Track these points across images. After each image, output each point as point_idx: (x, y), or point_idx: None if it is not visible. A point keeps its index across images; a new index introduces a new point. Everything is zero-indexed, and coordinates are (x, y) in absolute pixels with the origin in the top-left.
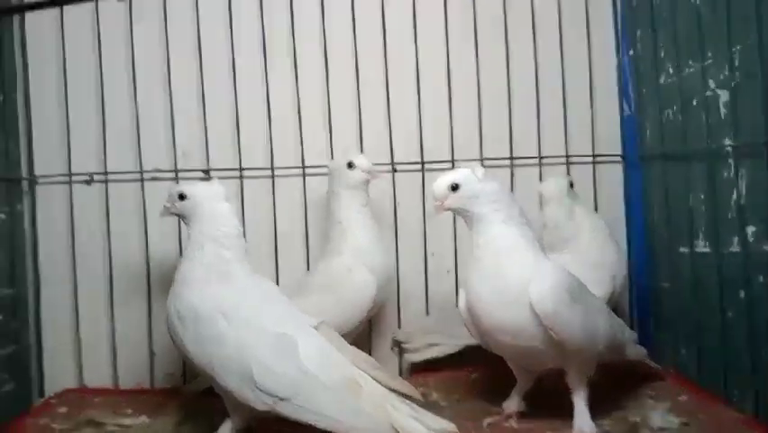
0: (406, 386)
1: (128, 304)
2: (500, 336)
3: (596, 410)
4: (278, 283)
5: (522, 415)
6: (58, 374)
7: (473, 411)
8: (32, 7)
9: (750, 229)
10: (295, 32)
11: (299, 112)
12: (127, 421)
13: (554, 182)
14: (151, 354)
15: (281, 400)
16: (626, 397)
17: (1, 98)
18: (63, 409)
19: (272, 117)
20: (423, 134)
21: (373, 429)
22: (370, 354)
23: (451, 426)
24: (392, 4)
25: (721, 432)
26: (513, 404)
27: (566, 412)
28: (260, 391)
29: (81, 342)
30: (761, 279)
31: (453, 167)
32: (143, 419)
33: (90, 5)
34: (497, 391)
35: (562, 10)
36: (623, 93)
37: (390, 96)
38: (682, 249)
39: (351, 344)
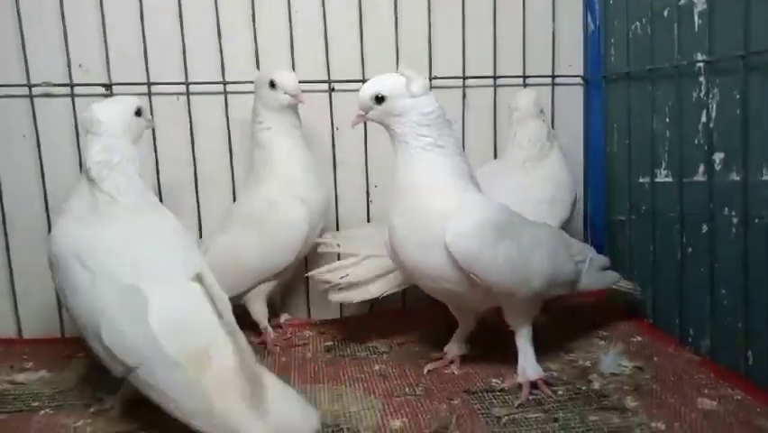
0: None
1: (28, 241)
2: (424, 279)
3: (544, 353)
4: (199, 216)
5: (464, 359)
6: None
7: (414, 356)
8: None
9: (718, 156)
10: None
11: (217, 16)
12: (20, 378)
13: (529, 95)
14: (59, 301)
15: (130, 368)
16: (576, 339)
17: None
18: None
19: (185, 22)
20: (365, 49)
21: (207, 420)
22: (307, 298)
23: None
24: None
25: (677, 376)
26: (454, 348)
27: (512, 355)
28: (112, 354)
29: None
30: (725, 211)
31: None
32: (42, 373)
33: None
34: (441, 334)
35: None
36: (587, 5)
37: (330, 3)
38: (642, 179)
39: (284, 288)
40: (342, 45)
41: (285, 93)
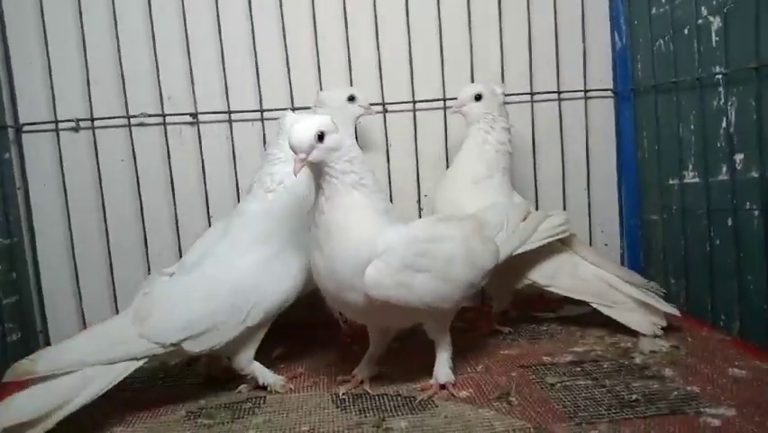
0: None
1: (124, 249)
2: (345, 310)
3: (590, 337)
4: None
5: (376, 378)
6: (61, 322)
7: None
8: None
9: (738, 157)
10: None
11: (287, 54)
12: None
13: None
14: None
15: None
16: (617, 325)
17: None
18: None
19: (259, 60)
20: (413, 73)
21: None
22: None
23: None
24: None
25: (709, 352)
26: (365, 371)
27: (426, 369)
28: None
29: (81, 289)
30: (747, 205)
31: (445, 106)
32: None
33: None
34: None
35: None
36: (615, 25)
37: (379, 34)
38: (672, 181)
39: None
40: (392, 71)
41: (359, 105)
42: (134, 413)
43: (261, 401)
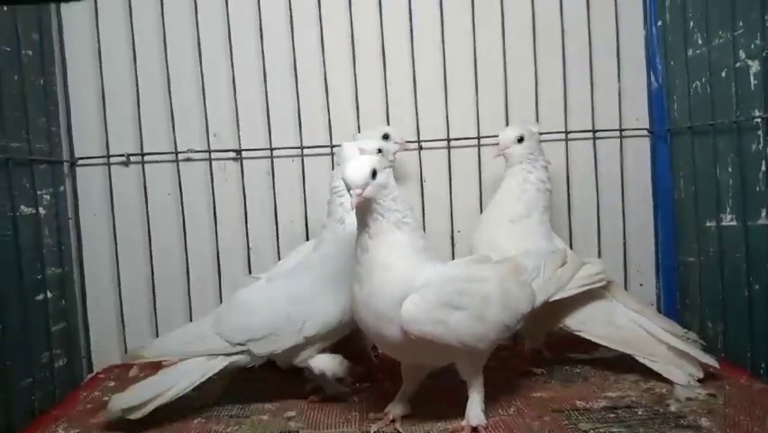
0: None
1: (168, 281)
2: (382, 345)
3: (624, 382)
4: None
5: (406, 417)
6: (104, 351)
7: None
8: None
9: None
10: (322, 17)
11: (327, 93)
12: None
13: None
14: None
15: None
16: (652, 371)
17: (42, 82)
18: (112, 384)
19: (300, 99)
20: (449, 111)
21: None
22: None
23: None
24: None
25: (748, 402)
26: (397, 408)
27: (457, 409)
28: None
29: (124, 319)
30: None
31: (479, 144)
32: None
33: None
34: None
35: None
36: (651, 65)
37: (416, 72)
38: (709, 223)
39: None
40: (427, 110)
41: (395, 143)
42: None
43: None
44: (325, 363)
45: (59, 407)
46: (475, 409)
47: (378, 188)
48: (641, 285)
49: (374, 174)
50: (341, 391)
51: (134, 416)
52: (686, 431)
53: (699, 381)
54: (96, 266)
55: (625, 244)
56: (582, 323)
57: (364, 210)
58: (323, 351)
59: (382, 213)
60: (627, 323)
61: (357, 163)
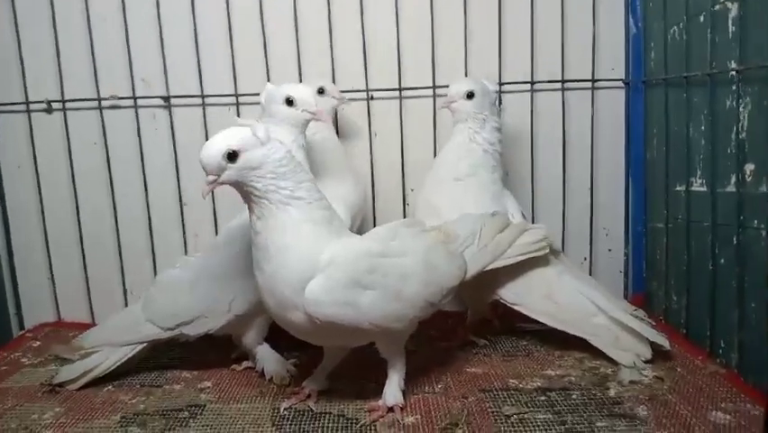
0: None
1: (96, 235)
2: (291, 330)
3: (568, 357)
4: None
5: (323, 393)
6: (37, 309)
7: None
8: None
9: (748, 167)
10: None
11: (264, 36)
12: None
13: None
14: (124, 289)
15: None
16: None
17: None
18: (37, 344)
19: (234, 41)
20: (401, 57)
21: None
22: None
23: None
24: None
25: (696, 388)
26: (314, 384)
27: (379, 385)
28: None
29: (55, 277)
30: (755, 223)
31: (435, 94)
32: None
33: None
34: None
35: None
36: (630, 6)
37: (365, 14)
38: (679, 187)
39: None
40: (379, 56)
41: (331, 98)
42: (73, 414)
43: (199, 412)
44: (268, 362)
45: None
46: (393, 389)
47: (242, 171)
48: (609, 250)
49: (232, 156)
50: (280, 373)
51: (71, 387)
52: (618, 421)
53: (649, 361)
54: (22, 220)
55: (592, 206)
56: (518, 296)
57: (240, 192)
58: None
59: (261, 195)
60: (569, 298)
61: (210, 143)
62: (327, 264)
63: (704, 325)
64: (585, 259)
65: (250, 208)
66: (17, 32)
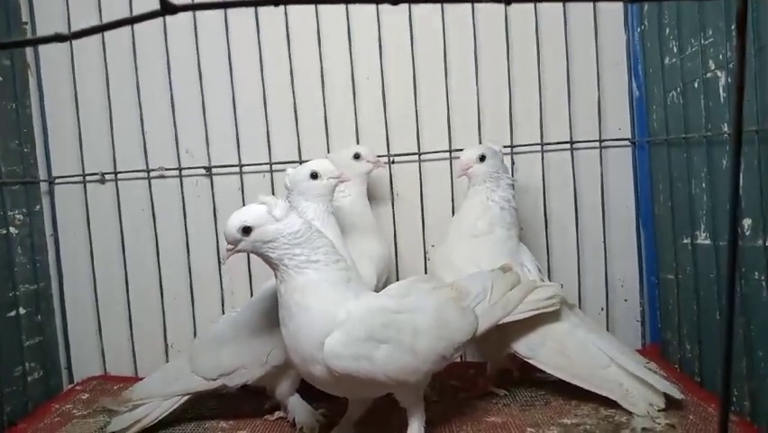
0: None
1: (143, 294)
2: (314, 383)
3: (584, 406)
4: None
5: None
6: (85, 363)
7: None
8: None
9: (746, 222)
10: (290, 42)
11: (295, 110)
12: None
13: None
14: (166, 344)
15: None
16: None
17: (13, 106)
18: (85, 396)
19: (268, 116)
20: (419, 125)
21: None
22: None
23: None
24: None
25: None
26: (341, 432)
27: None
28: None
29: (102, 332)
30: (755, 275)
31: (451, 157)
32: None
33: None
34: None
35: None
36: (633, 72)
37: (386, 89)
38: (685, 240)
39: None
40: (399, 124)
41: (367, 161)
42: None
43: None
44: (298, 412)
45: (27, 419)
46: None
47: (254, 244)
48: (625, 300)
49: (246, 231)
50: (309, 422)
51: None
52: None
53: (663, 409)
54: (75, 281)
55: (606, 258)
56: (532, 350)
57: (264, 260)
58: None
59: (276, 263)
60: (582, 352)
61: (231, 218)
62: (345, 321)
63: (717, 373)
64: (602, 309)
65: (275, 274)
66: (77, 112)
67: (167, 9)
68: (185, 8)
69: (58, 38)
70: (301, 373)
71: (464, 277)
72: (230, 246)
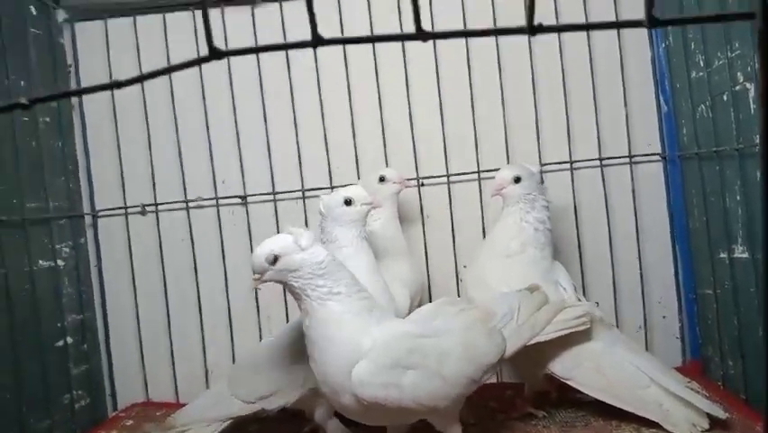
0: None
1: (183, 321)
2: (347, 413)
3: (625, 427)
4: None
5: None
6: (128, 390)
7: None
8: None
9: None
10: (319, 71)
11: (326, 138)
12: None
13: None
14: (206, 370)
15: None
16: None
17: (59, 144)
18: (129, 423)
19: (300, 145)
20: (446, 147)
21: None
22: None
23: None
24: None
25: None
26: None
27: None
28: None
29: (144, 360)
30: None
31: (480, 178)
32: None
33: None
34: None
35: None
36: (660, 88)
37: (412, 110)
38: (722, 254)
39: None
40: (427, 147)
41: (393, 183)
42: None
43: None
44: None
45: None
46: None
47: (280, 273)
48: (664, 317)
49: (274, 260)
50: None
51: None
52: None
53: (707, 430)
54: (118, 311)
55: (642, 275)
56: (567, 370)
57: (289, 290)
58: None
59: (302, 293)
60: (619, 371)
61: (260, 247)
62: (370, 349)
63: (763, 390)
64: (640, 327)
65: (299, 305)
66: (118, 147)
67: (215, 54)
68: (231, 53)
69: (116, 85)
70: (332, 404)
71: (491, 298)
72: (256, 276)
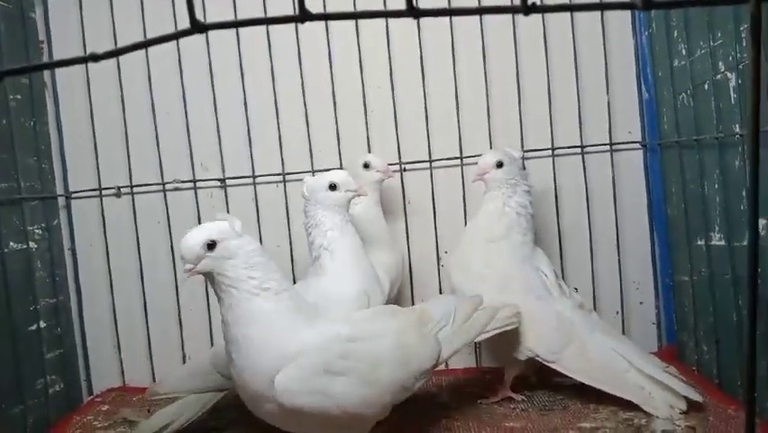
0: None
1: (159, 305)
2: (268, 420)
3: (602, 410)
4: (294, 282)
5: None
6: (104, 375)
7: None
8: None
9: (762, 222)
10: (301, 52)
11: (307, 121)
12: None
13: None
14: (183, 354)
15: None
16: None
17: (31, 123)
18: (105, 408)
19: (281, 128)
20: (429, 132)
21: None
22: None
23: None
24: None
25: None
26: None
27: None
28: None
29: (120, 345)
30: None
31: (462, 163)
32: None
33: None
34: None
35: None
36: (642, 75)
37: (395, 94)
38: (699, 241)
39: None
40: (409, 132)
41: (377, 171)
42: None
43: None
44: None
45: (50, 431)
46: None
47: (218, 260)
48: (641, 303)
49: (211, 246)
50: None
51: None
52: None
53: (683, 412)
54: (93, 294)
55: (620, 261)
56: (553, 353)
57: (212, 282)
58: None
59: (230, 284)
60: (602, 355)
61: (192, 234)
62: (297, 353)
63: (735, 375)
64: (617, 313)
65: (219, 300)
66: (93, 127)
67: (197, 27)
68: (214, 26)
69: (92, 58)
70: (253, 412)
71: (427, 302)
72: (188, 266)
